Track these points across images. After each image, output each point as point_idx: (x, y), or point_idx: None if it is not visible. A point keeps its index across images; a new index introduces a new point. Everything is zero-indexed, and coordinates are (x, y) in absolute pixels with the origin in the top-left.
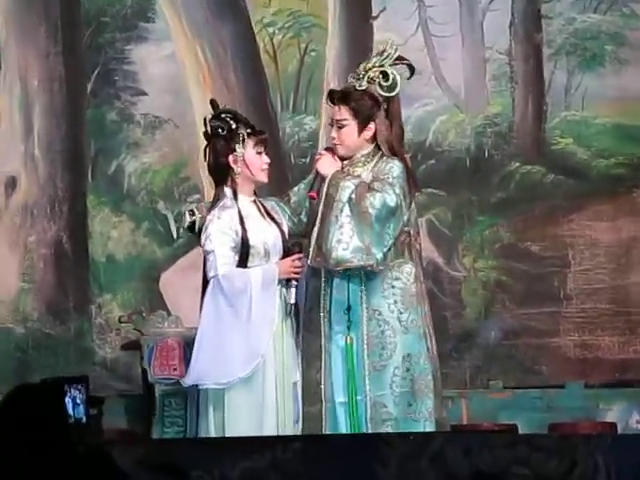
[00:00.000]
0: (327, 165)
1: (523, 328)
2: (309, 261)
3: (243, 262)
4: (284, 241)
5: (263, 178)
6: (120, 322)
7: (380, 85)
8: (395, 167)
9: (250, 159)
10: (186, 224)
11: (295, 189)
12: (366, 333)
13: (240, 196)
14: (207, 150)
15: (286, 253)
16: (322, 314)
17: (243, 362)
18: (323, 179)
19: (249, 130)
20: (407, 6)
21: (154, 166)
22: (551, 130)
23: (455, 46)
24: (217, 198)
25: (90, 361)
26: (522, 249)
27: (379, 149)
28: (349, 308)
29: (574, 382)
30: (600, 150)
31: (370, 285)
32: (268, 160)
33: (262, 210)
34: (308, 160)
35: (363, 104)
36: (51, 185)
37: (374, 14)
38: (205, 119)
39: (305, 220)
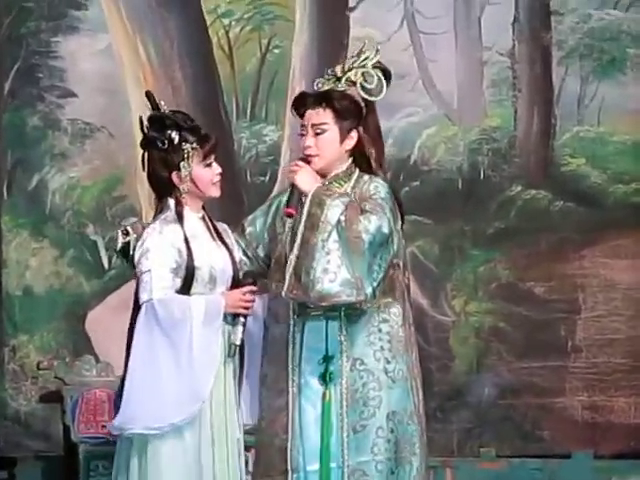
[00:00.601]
0: (307, 179)
1: (522, 385)
2: (283, 293)
3: (185, 288)
4: (235, 269)
5: (214, 193)
6: (38, 369)
7: (363, 88)
8: (380, 187)
9: (198, 175)
10: (118, 246)
11: (250, 218)
12: (346, 387)
13: (186, 212)
14: (144, 159)
15: (235, 284)
16: (290, 366)
17: (179, 406)
18: (301, 194)
19: (194, 143)
20: None
21: (83, 182)
22: (560, 148)
23: (447, 45)
24: (159, 210)
25: (1, 414)
26: (523, 290)
27: (356, 166)
28: (326, 357)
29: (582, 451)
30: (618, 173)
31: (353, 329)
32: (219, 170)
33: (211, 229)
34: (267, 178)
35: (347, 106)
36: None
37: (351, 5)
38: (141, 119)
39: (262, 255)
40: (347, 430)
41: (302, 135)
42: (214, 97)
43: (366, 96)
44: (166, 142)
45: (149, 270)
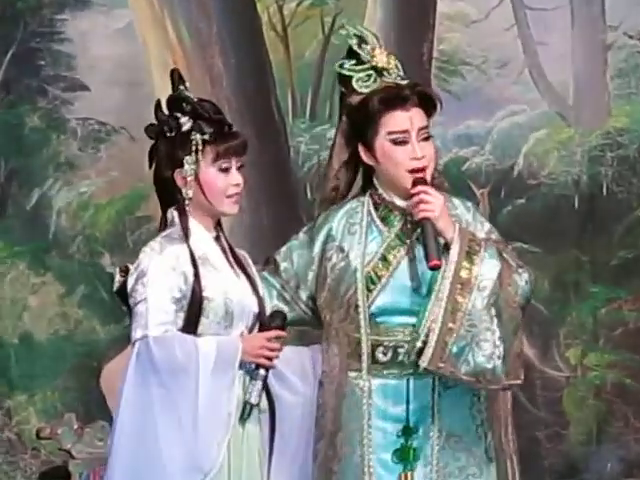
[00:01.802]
0: (446, 217)
1: None
2: (424, 364)
3: (191, 325)
4: (260, 306)
5: (227, 208)
6: (39, 438)
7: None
8: (480, 214)
9: (207, 179)
10: (115, 286)
11: (284, 250)
12: (437, 469)
13: (194, 228)
14: (151, 153)
15: (261, 325)
16: (358, 437)
17: (182, 477)
18: (437, 235)
19: (208, 135)
20: None
21: (97, 198)
22: None
23: (561, 25)
24: (163, 225)
25: None
26: None
27: None
28: (406, 429)
29: None
30: None
31: (447, 395)
32: (239, 180)
33: (229, 254)
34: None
35: (431, 102)
36: None
37: None
38: (157, 103)
39: (305, 298)
40: None
41: (400, 143)
42: (264, 91)
43: None
44: (174, 129)
45: (145, 299)
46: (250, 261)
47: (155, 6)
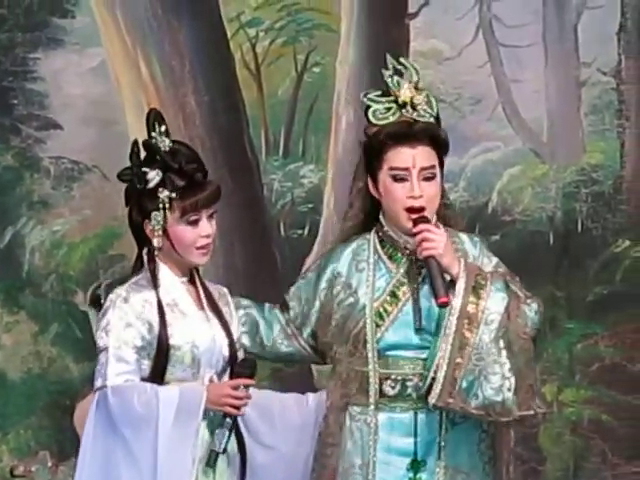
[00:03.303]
0: (450, 253)
1: None
2: (433, 401)
3: (157, 373)
4: (232, 350)
5: (197, 259)
6: (13, 476)
7: (430, 116)
8: (478, 242)
9: (175, 233)
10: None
11: (293, 289)
12: None
13: (165, 273)
14: (126, 193)
15: (231, 370)
16: (363, 472)
17: None
18: (442, 271)
19: (174, 192)
20: None
21: (70, 237)
22: None
23: (535, 62)
24: (140, 263)
25: None
26: (633, 373)
27: None
28: (415, 462)
29: None
30: None
31: (455, 431)
32: (208, 231)
33: (202, 296)
34: (307, 232)
35: (444, 141)
36: None
37: (411, 10)
38: (135, 143)
39: (306, 335)
40: None
41: (400, 180)
42: (237, 129)
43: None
44: (142, 182)
45: (106, 349)
46: (229, 298)
47: (128, 44)
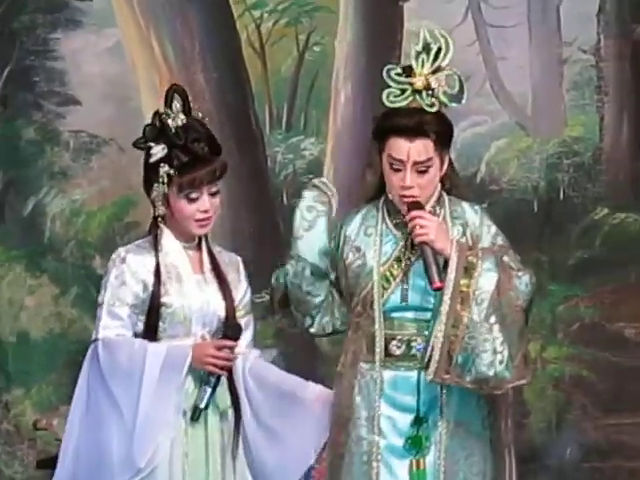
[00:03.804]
0: (442, 237)
1: (611, 445)
2: (429, 377)
3: (150, 329)
4: (229, 313)
5: (195, 230)
6: (36, 429)
7: (445, 94)
8: (489, 219)
9: (175, 205)
10: None
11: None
12: (444, 457)
13: (167, 238)
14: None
15: (223, 335)
16: (369, 424)
17: (117, 471)
18: (436, 254)
19: (173, 169)
20: None
21: (89, 206)
22: None
23: (520, 40)
24: (149, 230)
25: None
26: (611, 332)
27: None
28: (417, 419)
29: None
30: None
31: (456, 387)
32: (206, 207)
33: (204, 262)
34: None
35: (446, 132)
36: None
37: None
38: (156, 113)
39: (334, 280)
40: None
41: (396, 170)
42: (243, 104)
43: (448, 104)
44: (147, 155)
45: (102, 304)
46: (241, 267)
47: (142, 26)
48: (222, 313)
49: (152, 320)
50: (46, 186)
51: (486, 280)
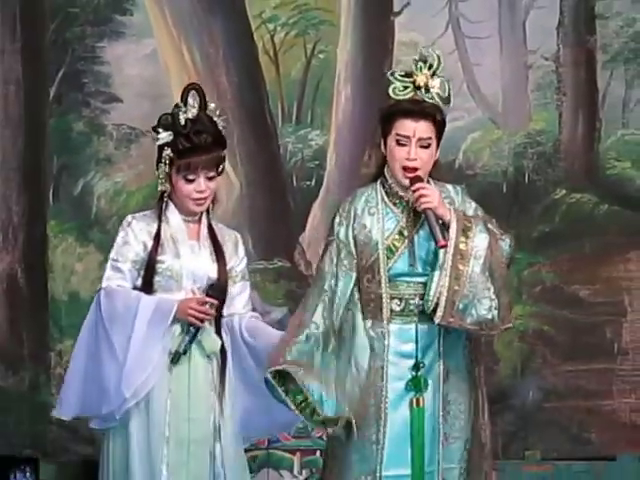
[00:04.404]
0: (442, 203)
1: (568, 388)
2: (437, 320)
3: (147, 283)
4: (221, 278)
5: (192, 208)
6: None
7: (439, 97)
8: (468, 197)
9: (175, 184)
10: None
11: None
12: (440, 396)
13: (171, 210)
14: None
15: (206, 293)
16: (381, 371)
17: (110, 398)
18: (438, 219)
19: (177, 150)
20: (436, 0)
21: (128, 187)
22: (605, 152)
23: (492, 49)
24: (157, 201)
25: (47, 419)
26: (568, 293)
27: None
28: (417, 364)
29: (628, 453)
30: None
31: (448, 339)
32: (202, 188)
33: (201, 233)
34: (313, 183)
35: (444, 121)
36: (4, 209)
37: (396, 9)
38: (185, 90)
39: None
40: (441, 440)
41: (402, 145)
42: (259, 102)
43: (441, 105)
44: (155, 139)
45: (110, 259)
46: (239, 240)
47: (174, 36)
48: (213, 275)
49: (148, 274)
50: (93, 170)
51: (480, 240)
